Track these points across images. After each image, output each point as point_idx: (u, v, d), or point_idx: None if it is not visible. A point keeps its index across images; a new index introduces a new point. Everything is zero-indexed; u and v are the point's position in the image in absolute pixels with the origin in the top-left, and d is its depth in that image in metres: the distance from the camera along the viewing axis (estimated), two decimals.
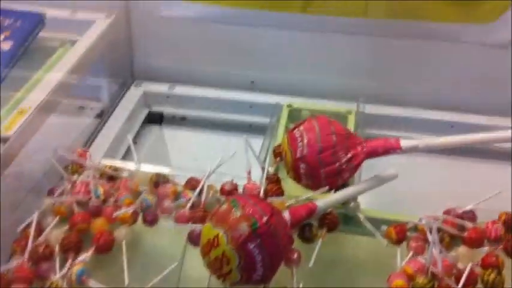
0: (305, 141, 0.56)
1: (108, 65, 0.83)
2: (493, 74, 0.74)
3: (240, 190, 0.59)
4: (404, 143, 0.54)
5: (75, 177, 0.61)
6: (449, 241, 0.53)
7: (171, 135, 0.82)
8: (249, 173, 0.59)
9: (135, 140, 0.78)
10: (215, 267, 0.47)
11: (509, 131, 0.52)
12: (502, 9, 0.70)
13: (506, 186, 0.56)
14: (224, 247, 0.46)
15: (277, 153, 0.63)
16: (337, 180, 0.56)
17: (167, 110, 0.83)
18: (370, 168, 0.58)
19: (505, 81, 0.73)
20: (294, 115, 0.73)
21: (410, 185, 0.60)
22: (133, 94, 0.82)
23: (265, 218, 0.46)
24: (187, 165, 0.75)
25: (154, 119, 0.83)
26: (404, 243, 0.54)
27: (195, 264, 0.52)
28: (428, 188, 0.66)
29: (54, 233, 0.55)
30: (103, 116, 0.78)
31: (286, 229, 0.49)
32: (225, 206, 0.48)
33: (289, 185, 0.59)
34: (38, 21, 0.75)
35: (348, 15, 0.74)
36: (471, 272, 0.48)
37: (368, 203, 0.58)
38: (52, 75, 0.70)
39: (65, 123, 0.73)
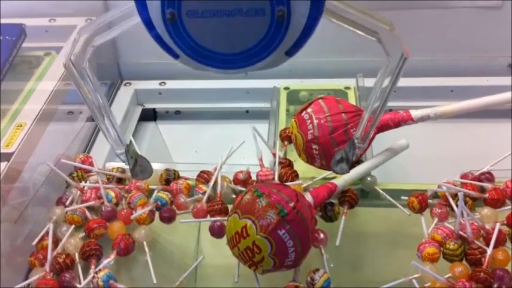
0: (315, 122, 0.56)
1: (95, 68, 0.81)
2: (486, 36, 0.74)
3: (254, 178, 0.59)
4: (415, 114, 0.55)
5: (82, 184, 0.60)
6: (472, 203, 0.54)
7: (167, 130, 0.81)
8: (261, 159, 0.59)
9: None
10: (246, 256, 0.47)
11: None
12: None
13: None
14: (254, 237, 0.46)
15: (284, 137, 0.63)
16: None
17: (160, 105, 0.82)
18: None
19: (500, 42, 0.73)
20: (293, 97, 0.72)
21: (416, 153, 0.60)
22: (124, 94, 0.81)
23: (291, 204, 0.46)
24: (189, 158, 0.74)
25: (148, 116, 0.82)
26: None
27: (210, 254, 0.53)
28: (434, 154, 0.66)
29: (72, 242, 0.54)
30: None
31: (312, 211, 0.49)
32: (248, 197, 0.48)
33: (300, 167, 0.60)
34: (19, 32, 0.73)
35: None
36: (499, 231, 0.49)
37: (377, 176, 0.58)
38: (43, 85, 0.68)
39: (59, 130, 0.72)
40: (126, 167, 0.61)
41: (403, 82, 0.73)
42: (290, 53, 0.35)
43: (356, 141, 0.46)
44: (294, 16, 0.32)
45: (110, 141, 0.45)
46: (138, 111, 0.81)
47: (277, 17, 0.32)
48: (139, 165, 0.49)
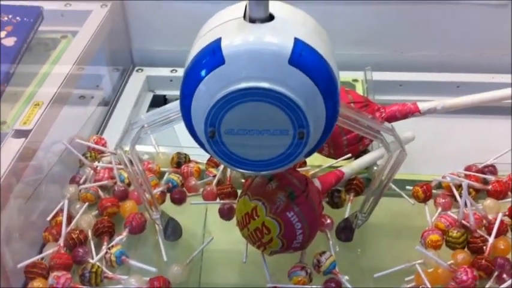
0: None
1: (108, 54, 0.83)
2: (493, 33, 0.75)
3: None
4: (422, 106, 0.56)
5: (95, 164, 0.62)
6: (475, 195, 0.55)
7: None
8: None
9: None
10: (255, 237, 0.48)
11: None
12: None
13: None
14: (264, 218, 0.47)
15: None
16: (359, 147, 0.58)
17: (171, 92, 0.83)
18: None
19: (506, 40, 0.74)
20: None
21: (419, 145, 0.62)
22: (136, 80, 0.82)
23: (301, 188, 0.48)
24: (197, 147, 0.76)
25: (158, 102, 0.83)
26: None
27: (216, 237, 0.55)
28: (437, 147, 0.68)
29: (85, 219, 0.56)
30: (109, 104, 0.79)
31: (320, 197, 0.51)
32: (258, 179, 0.49)
33: None
34: (37, 15, 0.74)
35: None
36: (501, 221, 0.50)
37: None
38: (59, 68, 0.69)
39: (72, 113, 0.73)
40: (139, 148, 0.64)
41: (409, 77, 0.76)
42: (307, 156, 0.43)
43: (359, 215, 0.52)
44: (312, 133, 0.38)
45: (148, 208, 0.52)
46: (149, 97, 0.82)
47: (298, 137, 0.38)
48: (170, 227, 0.55)
